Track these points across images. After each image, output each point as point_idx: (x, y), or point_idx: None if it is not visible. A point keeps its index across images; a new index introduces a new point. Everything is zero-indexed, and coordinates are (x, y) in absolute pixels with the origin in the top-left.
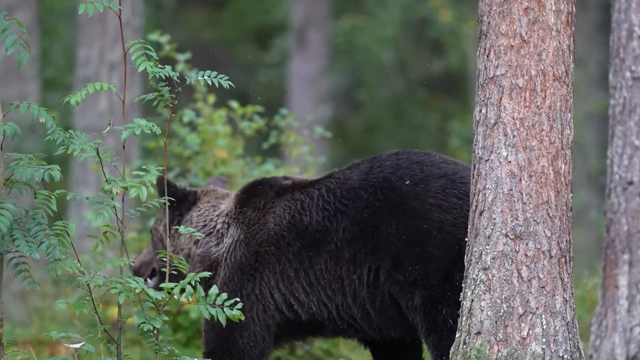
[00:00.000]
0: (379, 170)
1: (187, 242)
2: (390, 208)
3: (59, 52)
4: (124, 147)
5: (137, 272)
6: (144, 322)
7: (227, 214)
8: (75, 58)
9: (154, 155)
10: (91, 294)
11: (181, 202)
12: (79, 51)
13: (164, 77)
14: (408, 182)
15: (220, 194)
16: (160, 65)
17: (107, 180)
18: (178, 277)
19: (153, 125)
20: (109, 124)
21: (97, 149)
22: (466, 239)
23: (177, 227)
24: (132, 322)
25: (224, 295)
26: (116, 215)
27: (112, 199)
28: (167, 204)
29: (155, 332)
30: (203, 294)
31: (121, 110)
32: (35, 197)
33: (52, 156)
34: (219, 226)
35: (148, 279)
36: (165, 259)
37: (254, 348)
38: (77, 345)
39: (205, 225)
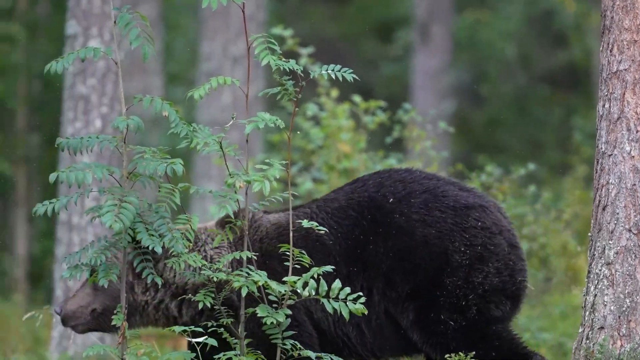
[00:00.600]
0: (363, 190)
1: (181, 276)
2: (377, 226)
3: (183, 47)
4: (247, 140)
5: (69, 318)
6: (267, 316)
7: (212, 240)
8: (198, 52)
9: (277, 149)
10: (215, 286)
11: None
12: (202, 45)
13: (287, 71)
14: (391, 199)
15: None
16: (284, 59)
17: (230, 174)
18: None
19: (277, 119)
20: (232, 118)
21: (220, 143)
22: (490, 245)
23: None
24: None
25: (347, 290)
26: (239, 208)
27: (235, 192)
28: (291, 199)
29: (278, 325)
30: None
31: (244, 104)
32: (159, 191)
33: (175, 150)
34: (210, 253)
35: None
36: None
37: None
38: (200, 340)
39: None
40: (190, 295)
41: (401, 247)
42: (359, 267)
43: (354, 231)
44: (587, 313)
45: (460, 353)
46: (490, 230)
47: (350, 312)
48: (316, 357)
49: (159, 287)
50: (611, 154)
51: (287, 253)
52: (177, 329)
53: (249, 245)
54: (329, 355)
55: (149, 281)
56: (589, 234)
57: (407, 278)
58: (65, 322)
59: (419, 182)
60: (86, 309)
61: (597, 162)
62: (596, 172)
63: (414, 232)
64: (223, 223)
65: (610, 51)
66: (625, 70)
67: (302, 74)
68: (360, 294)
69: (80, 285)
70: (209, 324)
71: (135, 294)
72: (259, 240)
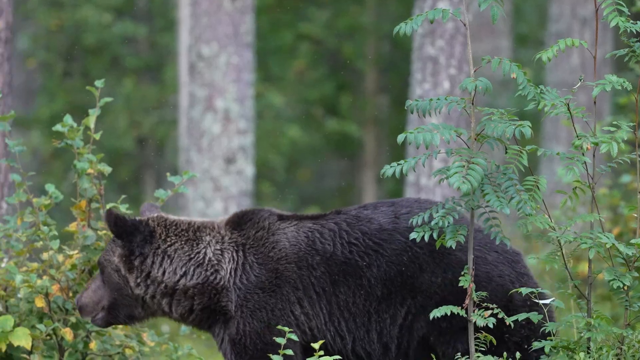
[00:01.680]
0: (411, 217)
1: (170, 275)
2: (435, 257)
3: (531, 8)
4: (595, 102)
5: (83, 310)
6: (614, 279)
7: (217, 242)
8: (547, 13)
9: (625, 111)
10: (562, 249)
11: (132, 235)
12: (551, 6)
13: (635, 33)
14: None
15: (185, 225)
16: (631, 21)
17: (577, 136)
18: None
19: (624, 81)
20: (580, 80)
21: (568, 105)
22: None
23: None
24: (602, 278)
25: None
26: (586, 170)
27: (583, 154)
28: (639, 160)
29: (625, 288)
30: None
31: (592, 66)
32: (506, 153)
33: (523, 112)
34: (209, 255)
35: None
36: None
37: None
38: (547, 301)
39: (191, 258)
40: (180, 297)
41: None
42: (405, 292)
43: (402, 256)
44: None
45: None
46: (531, 276)
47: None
48: None
49: (149, 283)
50: None
51: (303, 280)
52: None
53: (264, 263)
54: None
55: (497, 242)
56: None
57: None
58: (81, 314)
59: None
60: (97, 304)
61: None
62: None
63: (477, 269)
64: (235, 222)
65: None
66: None
67: None
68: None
69: (94, 277)
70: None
71: (130, 288)
72: (276, 260)
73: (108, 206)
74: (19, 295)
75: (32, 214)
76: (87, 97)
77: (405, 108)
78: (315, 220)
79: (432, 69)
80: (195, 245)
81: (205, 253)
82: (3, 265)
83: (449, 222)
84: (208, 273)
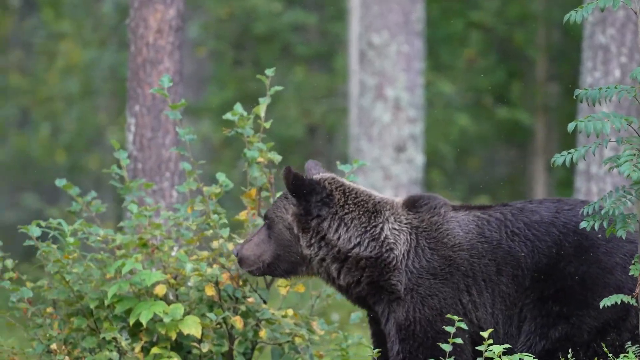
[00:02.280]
0: (572, 214)
1: (345, 242)
2: (578, 251)
3: None
4: None
5: (244, 262)
6: None
7: (395, 221)
8: None
9: None
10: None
11: (309, 194)
12: None
13: None
14: (600, 235)
15: (365, 196)
16: None
17: None
18: None
19: None
20: None
21: None
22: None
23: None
24: None
25: None
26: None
27: None
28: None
29: None
30: None
31: None
32: None
33: None
34: (386, 232)
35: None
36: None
37: (463, 354)
38: None
39: (367, 230)
40: (352, 265)
41: (594, 277)
42: (549, 284)
43: (552, 249)
44: None
45: None
46: None
47: None
48: None
49: (322, 245)
50: None
51: (474, 268)
52: None
53: (437, 248)
54: None
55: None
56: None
57: (580, 307)
58: (241, 265)
59: None
60: (259, 258)
61: None
62: None
63: (613, 273)
64: (411, 204)
65: None
66: None
67: None
68: None
69: (258, 230)
70: None
71: (300, 247)
72: (449, 247)
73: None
74: (189, 284)
75: (203, 202)
76: (257, 86)
77: (575, 97)
78: (483, 210)
79: (603, 57)
80: (373, 218)
81: (382, 229)
82: (173, 253)
83: (619, 211)
84: (383, 249)
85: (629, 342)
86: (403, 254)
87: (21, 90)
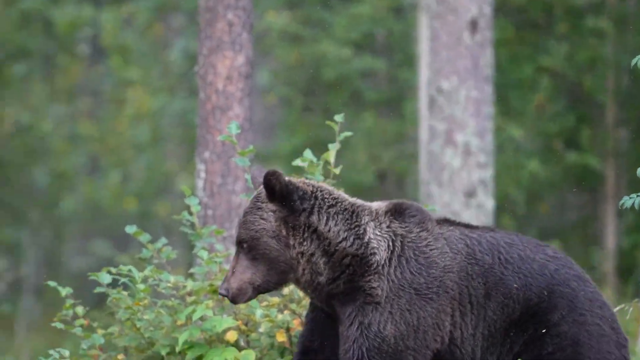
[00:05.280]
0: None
1: (335, 235)
2: (571, 310)
3: None
4: None
5: (238, 296)
6: None
7: (376, 226)
8: None
9: None
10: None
11: (289, 194)
12: None
13: None
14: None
15: (337, 193)
16: None
17: None
18: None
19: None
20: None
21: None
22: None
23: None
24: None
25: None
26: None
27: None
28: None
29: None
30: None
31: None
32: None
33: None
34: (369, 235)
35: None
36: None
37: None
38: None
39: (351, 228)
40: (337, 260)
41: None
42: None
43: (543, 292)
44: None
45: None
46: None
47: None
48: None
49: (314, 238)
50: None
51: (462, 291)
52: None
53: (425, 265)
54: None
55: None
56: None
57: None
58: (236, 300)
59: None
60: (250, 283)
61: None
62: None
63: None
64: (397, 212)
65: None
66: None
67: None
68: None
69: (233, 261)
70: None
71: (292, 249)
72: (440, 267)
73: None
74: (260, 330)
75: None
76: (326, 132)
77: None
78: (470, 230)
79: None
80: (355, 217)
81: (365, 230)
82: None
83: None
84: (367, 251)
85: None
86: (385, 260)
87: (91, 137)
